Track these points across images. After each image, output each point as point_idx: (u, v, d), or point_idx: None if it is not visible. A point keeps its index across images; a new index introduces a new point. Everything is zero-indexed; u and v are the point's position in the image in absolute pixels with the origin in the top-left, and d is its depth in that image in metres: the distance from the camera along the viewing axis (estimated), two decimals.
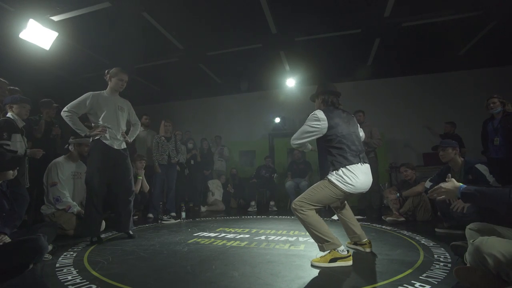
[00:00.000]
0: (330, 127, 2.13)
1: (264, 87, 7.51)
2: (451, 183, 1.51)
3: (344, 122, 2.19)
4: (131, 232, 3.03)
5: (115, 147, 2.91)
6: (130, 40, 5.05)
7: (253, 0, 3.98)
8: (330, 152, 2.14)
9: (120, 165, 2.94)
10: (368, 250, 2.31)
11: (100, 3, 3.86)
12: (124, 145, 3.02)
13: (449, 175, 1.61)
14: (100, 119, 2.83)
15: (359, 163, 2.10)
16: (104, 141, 2.83)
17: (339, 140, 2.12)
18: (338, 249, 1.98)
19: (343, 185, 2.04)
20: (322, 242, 2.02)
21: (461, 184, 1.48)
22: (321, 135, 2.16)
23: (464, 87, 6.33)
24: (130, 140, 3.13)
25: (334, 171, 2.09)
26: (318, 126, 2.13)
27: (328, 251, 1.99)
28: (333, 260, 1.95)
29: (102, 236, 3.04)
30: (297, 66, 6.15)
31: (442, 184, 1.53)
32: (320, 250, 2.04)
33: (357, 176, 2.06)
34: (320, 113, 2.16)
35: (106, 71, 2.98)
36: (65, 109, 2.75)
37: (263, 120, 7.53)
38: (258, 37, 5.06)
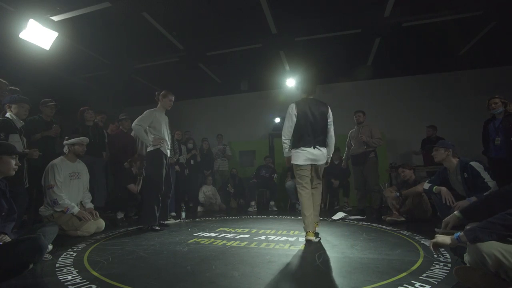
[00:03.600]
0: (297, 118, 2.81)
1: (264, 87, 7.51)
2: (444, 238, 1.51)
3: (309, 113, 2.81)
4: (166, 222, 3.75)
5: (168, 155, 3.65)
6: (130, 40, 5.06)
7: (253, 0, 3.99)
8: (294, 138, 2.85)
9: (169, 168, 3.67)
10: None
11: (100, 3, 3.86)
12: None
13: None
14: (160, 132, 3.51)
15: (310, 147, 2.78)
16: (162, 150, 3.51)
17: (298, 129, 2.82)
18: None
19: (295, 161, 2.82)
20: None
21: (455, 233, 1.45)
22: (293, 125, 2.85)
23: (464, 87, 6.33)
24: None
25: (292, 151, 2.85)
26: (292, 116, 2.84)
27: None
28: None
29: (102, 235, 3.06)
30: (297, 66, 6.15)
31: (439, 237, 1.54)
32: None
33: (302, 155, 2.78)
34: (291, 106, 2.86)
35: (156, 93, 3.67)
36: (137, 123, 3.42)
37: (263, 120, 7.52)
38: (258, 37, 5.06)
